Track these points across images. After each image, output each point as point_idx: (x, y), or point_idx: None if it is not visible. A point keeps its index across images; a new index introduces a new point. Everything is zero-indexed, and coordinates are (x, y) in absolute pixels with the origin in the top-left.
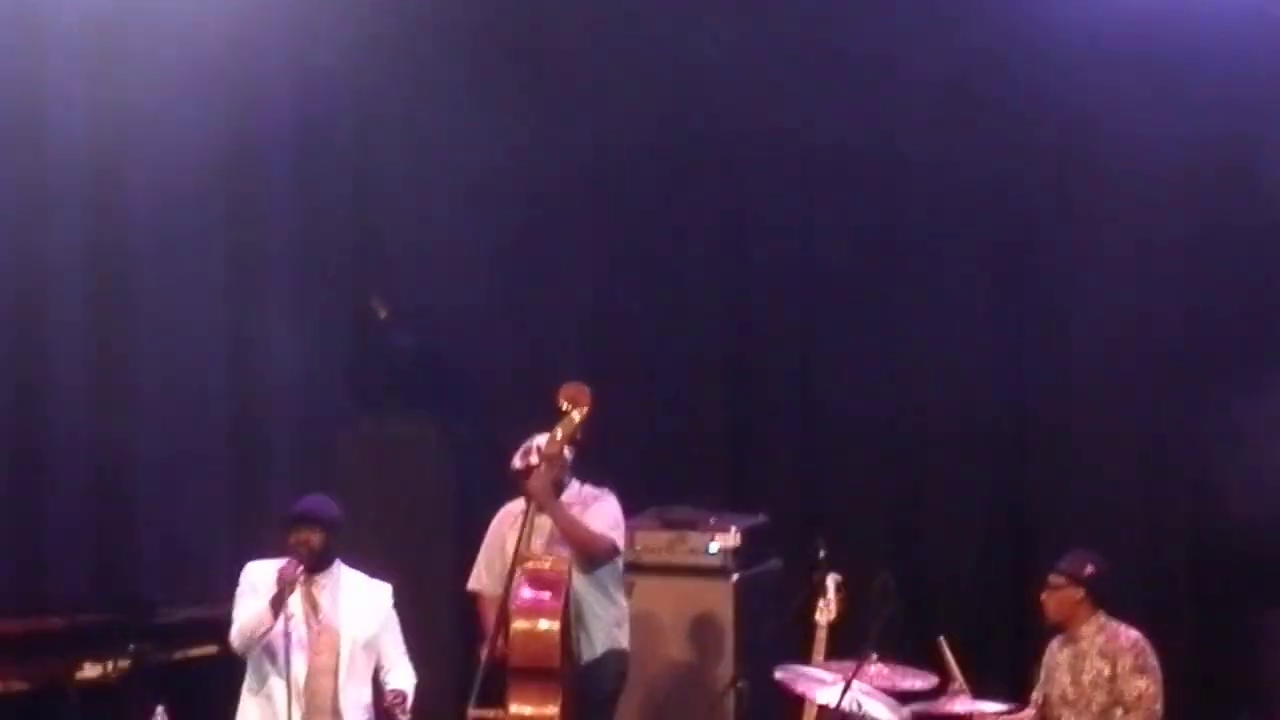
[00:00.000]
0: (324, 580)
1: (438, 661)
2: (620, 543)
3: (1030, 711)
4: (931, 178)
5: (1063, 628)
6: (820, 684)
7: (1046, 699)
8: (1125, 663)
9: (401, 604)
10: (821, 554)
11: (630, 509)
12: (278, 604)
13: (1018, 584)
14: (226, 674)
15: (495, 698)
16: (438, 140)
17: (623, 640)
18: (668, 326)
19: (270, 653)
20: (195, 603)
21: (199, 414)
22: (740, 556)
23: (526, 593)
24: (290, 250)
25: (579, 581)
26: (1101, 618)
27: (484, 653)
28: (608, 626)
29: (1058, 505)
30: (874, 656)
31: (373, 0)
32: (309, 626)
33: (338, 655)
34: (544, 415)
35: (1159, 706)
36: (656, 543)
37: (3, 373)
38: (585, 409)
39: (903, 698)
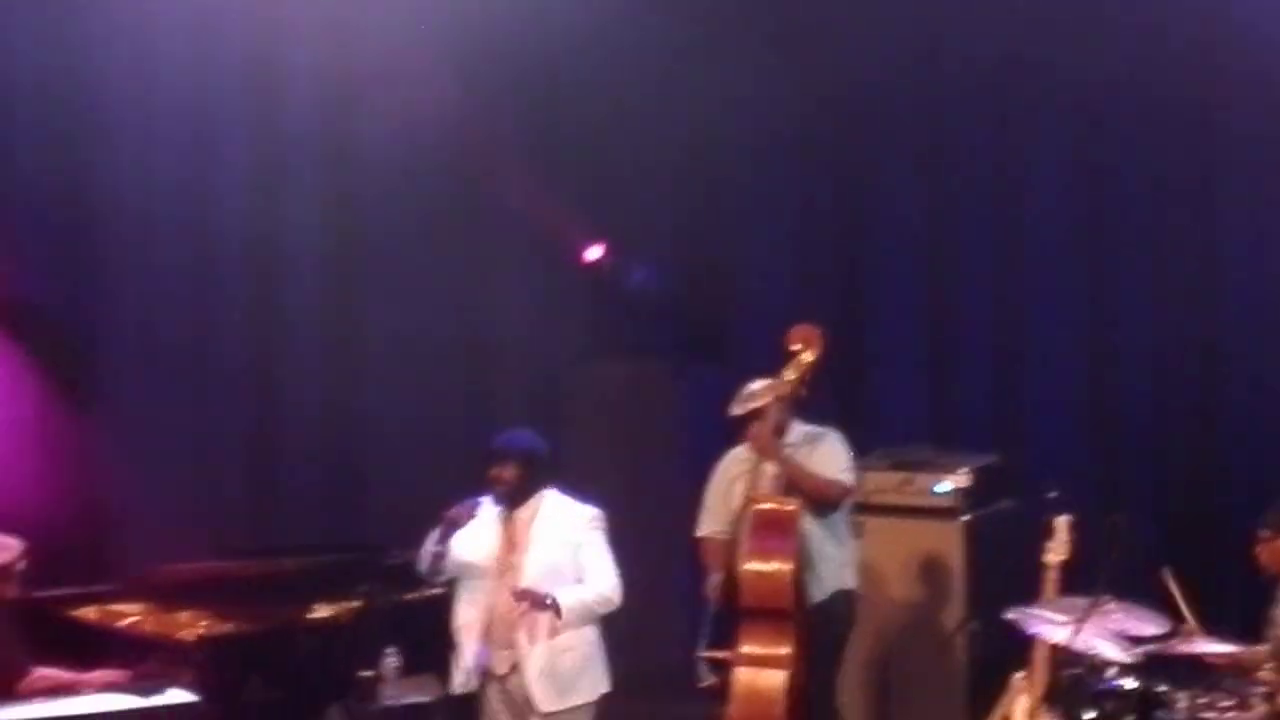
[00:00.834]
0: (523, 513)
1: (667, 604)
2: (852, 482)
3: (1264, 648)
4: (1138, 116)
5: None
6: (1052, 625)
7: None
8: None
9: (631, 545)
10: (1052, 494)
11: (860, 449)
12: (444, 540)
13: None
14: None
15: (726, 638)
16: (667, 86)
17: (851, 581)
18: (906, 269)
19: (468, 587)
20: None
21: (431, 359)
22: (971, 497)
23: (757, 534)
24: (525, 196)
25: (808, 523)
26: None
27: (712, 595)
28: (837, 568)
29: None
30: (1106, 598)
31: None
32: (502, 558)
33: (525, 583)
34: (774, 358)
35: None
36: (886, 483)
37: (242, 328)
38: (817, 350)
39: (1135, 640)
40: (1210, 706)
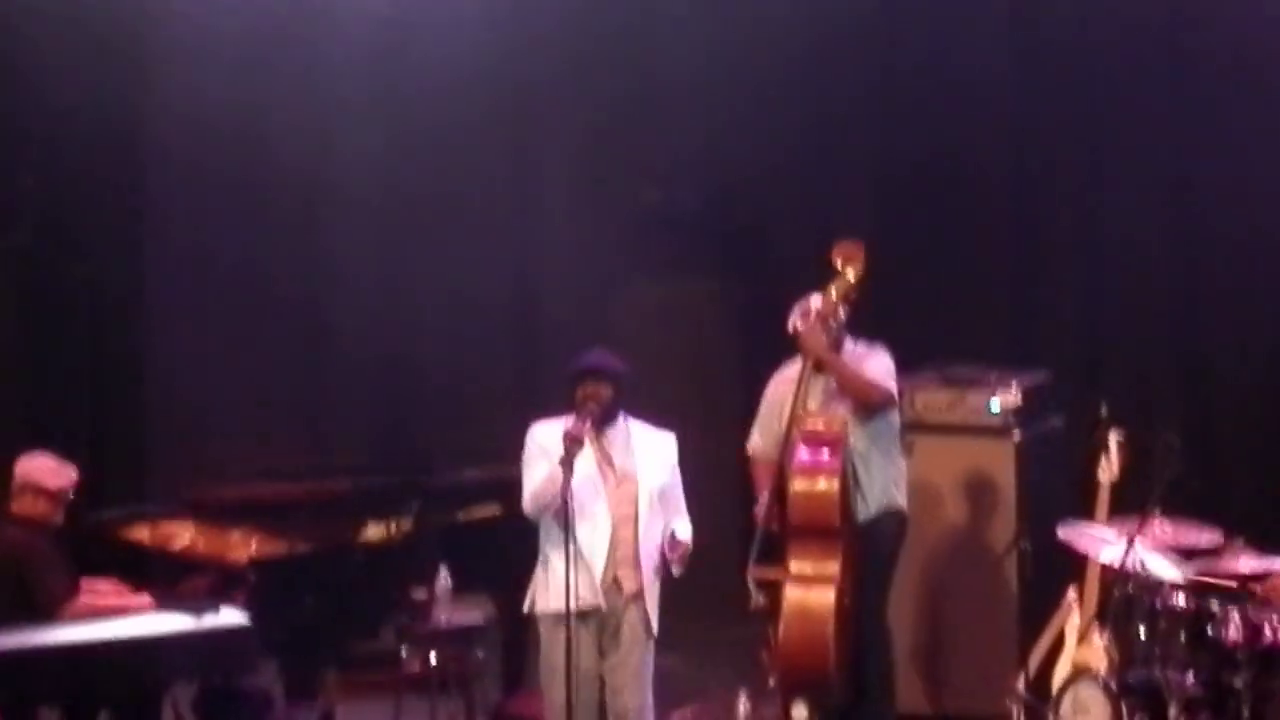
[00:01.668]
0: (612, 433)
1: (719, 522)
2: (895, 392)
3: None
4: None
5: None
6: (1103, 542)
7: None
8: None
9: (684, 465)
10: (1104, 411)
11: (910, 366)
12: (568, 462)
13: None
14: (508, 534)
15: (775, 558)
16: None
17: (900, 500)
18: (948, 182)
19: (567, 511)
20: (477, 464)
21: (479, 281)
22: (1022, 415)
23: (804, 453)
24: (571, 117)
25: (857, 440)
26: None
27: (760, 514)
28: (886, 485)
29: None
30: (1157, 514)
31: None
32: (605, 479)
33: (637, 504)
34: (825, 275)
35: None
36: (936, 401)
37: (293, 255)
38: (859, 266)
39: (1186, 555)
40: (1262, 621)
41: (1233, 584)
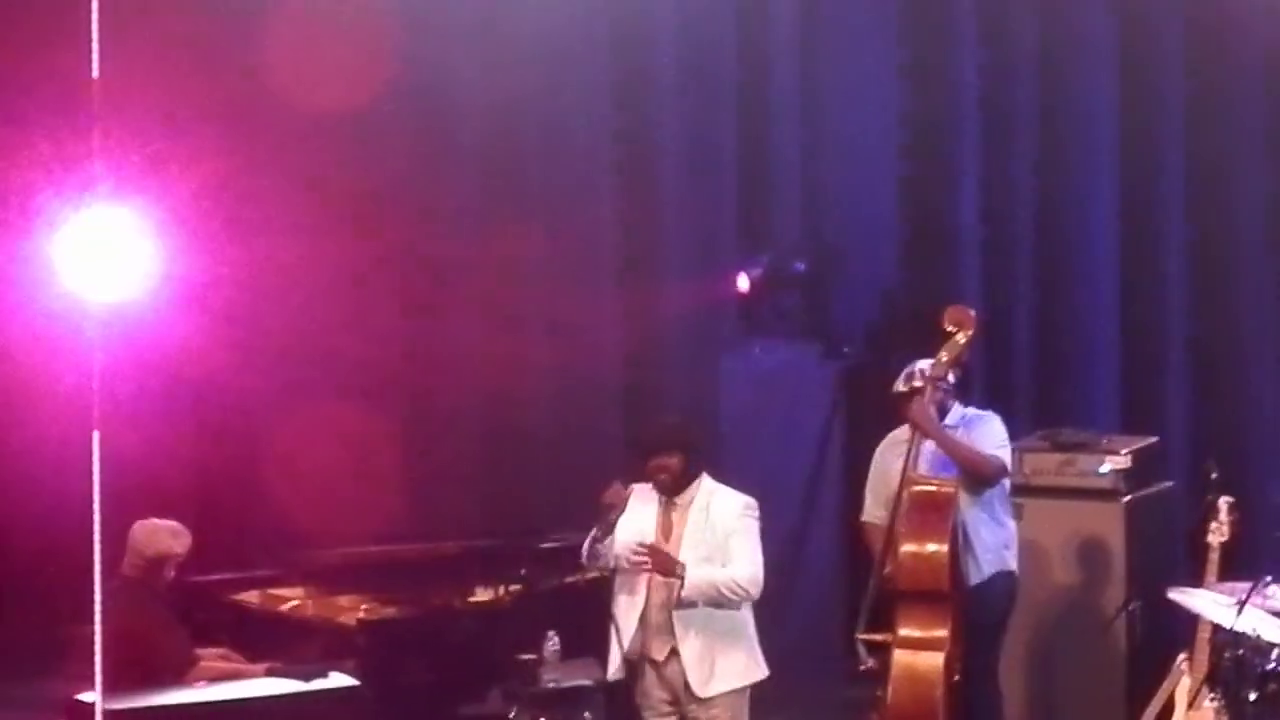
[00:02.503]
0: (682, 499)
1: (825, 588)
2: (1008, 461)
3: None
4: None
5: None
6: (1214, 606)
7: None
8: None
9: (787, 530)
10: (1214, 475)
11: (1019, 432)
12: (605, 527)
13: None
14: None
15: (884, 622)
16: (826, 55)
17: (1011, 563)
18: (1058, 247)
19: (622, 577)
20: (585, 528)
21: (589, 344)
22: (1131, 478)
23: (914, 515)
24: (679, 173)
25: (966, 504)
26: None
27: (874, 578)
28: (996, 549)
29: None
30: (1269, 578)
31: None
32: (659, 546)
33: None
34: (932, 341)
35: None
36: (1046, 465)
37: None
38: (970, 331)
39: None
40: None
41: None
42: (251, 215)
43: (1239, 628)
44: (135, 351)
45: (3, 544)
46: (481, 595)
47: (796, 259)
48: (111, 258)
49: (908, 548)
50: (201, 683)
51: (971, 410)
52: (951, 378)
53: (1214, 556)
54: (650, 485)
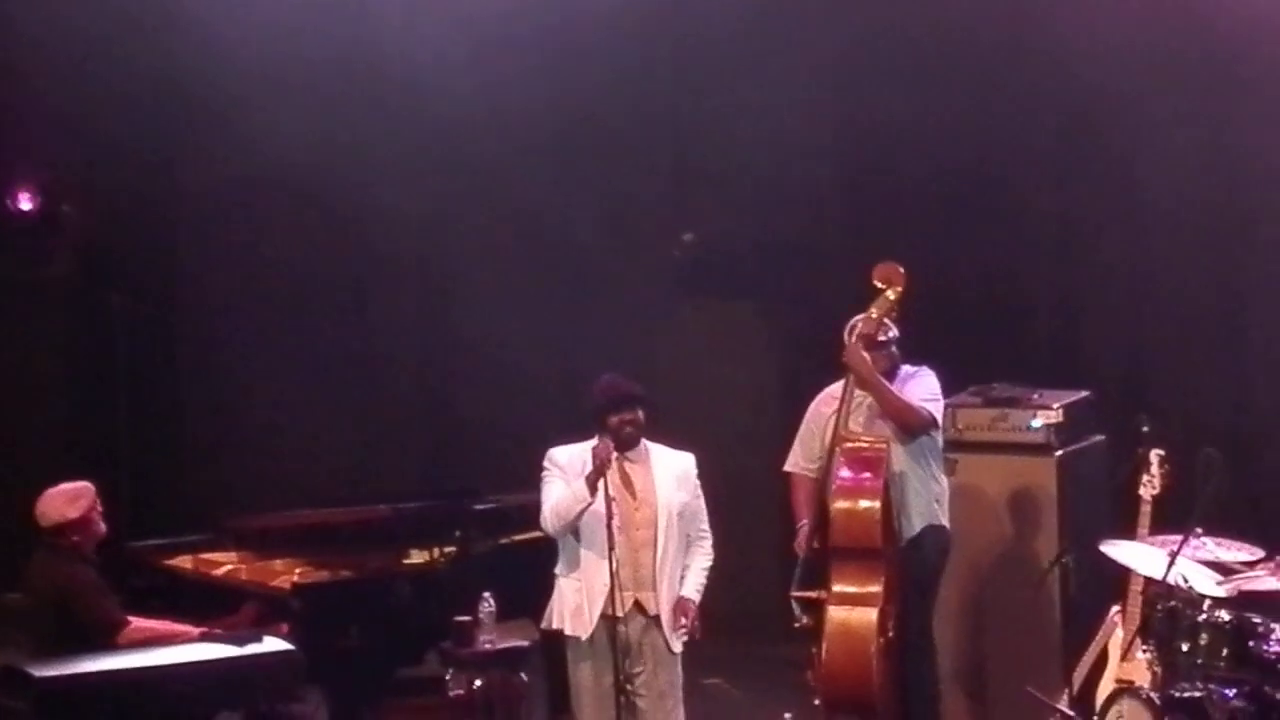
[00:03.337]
0: (634, 456)
1: (758, 544)
2: (939, 415)
3: None
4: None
5: None
6: (1146, 559)
7: None
8: None
9: (724, 485)
10: (1145, 428)
11: (954, 387)
12: (594, 482)
13: None
14: (552, 559)
15: (817, 579)
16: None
17: (943, 517)
18: (992, 204)
19: (585, 533)
20: (520, 489)
21: (522, 305)
22: (1063, 432)
23: (846, 472)
24: (611, 140)
25: (899, 459)
26: None
27: (801, 534)
28: (928, 504)
29: None
30: (1199, 530)
31: None
32: (626, 503)
33: (656, 528)
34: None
35: None
36: (978, 420)
37: (336, 284)
38: (899, 288)
39: (1228, 570)
40: None
41: (1275, 598)
42: None
43: (1170, 579)
44: None
45: None
46: (417, 558)
47: (728, 219)
48: None
49: (840, 504)
50: (137, 645)
51: (906, 366)
52: (894, 333)
53: (1146, 509)
54: (593, 444)
